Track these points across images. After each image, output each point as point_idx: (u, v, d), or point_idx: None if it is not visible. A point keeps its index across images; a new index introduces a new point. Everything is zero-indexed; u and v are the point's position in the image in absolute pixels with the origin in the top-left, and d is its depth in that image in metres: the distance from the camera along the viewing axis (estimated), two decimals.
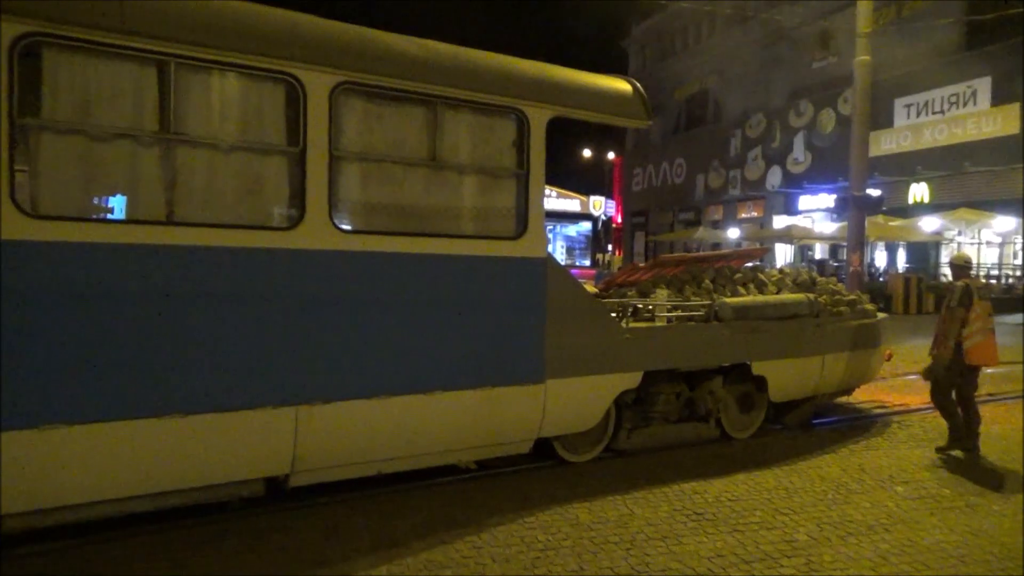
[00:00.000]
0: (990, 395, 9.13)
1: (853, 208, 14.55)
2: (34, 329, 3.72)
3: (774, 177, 33.11)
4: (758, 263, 9.12)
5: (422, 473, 5.36)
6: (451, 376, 5.04)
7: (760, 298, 7.07)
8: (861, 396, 9.02)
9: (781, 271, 8.43)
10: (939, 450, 6.67)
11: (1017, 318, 18.31)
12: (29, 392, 3.73)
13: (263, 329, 4.36)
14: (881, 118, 25.09)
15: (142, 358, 4.01)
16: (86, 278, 3.86)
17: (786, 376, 7.01)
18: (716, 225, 36.70)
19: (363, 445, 4.81)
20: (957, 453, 6.58)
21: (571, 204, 32.72)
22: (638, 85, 6.10)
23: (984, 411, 6.68)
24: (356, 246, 4.71)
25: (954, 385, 6.64)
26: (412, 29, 5.19)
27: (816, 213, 30.68)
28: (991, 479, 6.01)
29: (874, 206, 15.27)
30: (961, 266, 6.83)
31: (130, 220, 4.14)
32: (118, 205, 4.24)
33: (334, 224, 4.58)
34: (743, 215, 35.99)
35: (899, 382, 10.42)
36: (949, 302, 6.57)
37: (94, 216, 4.12)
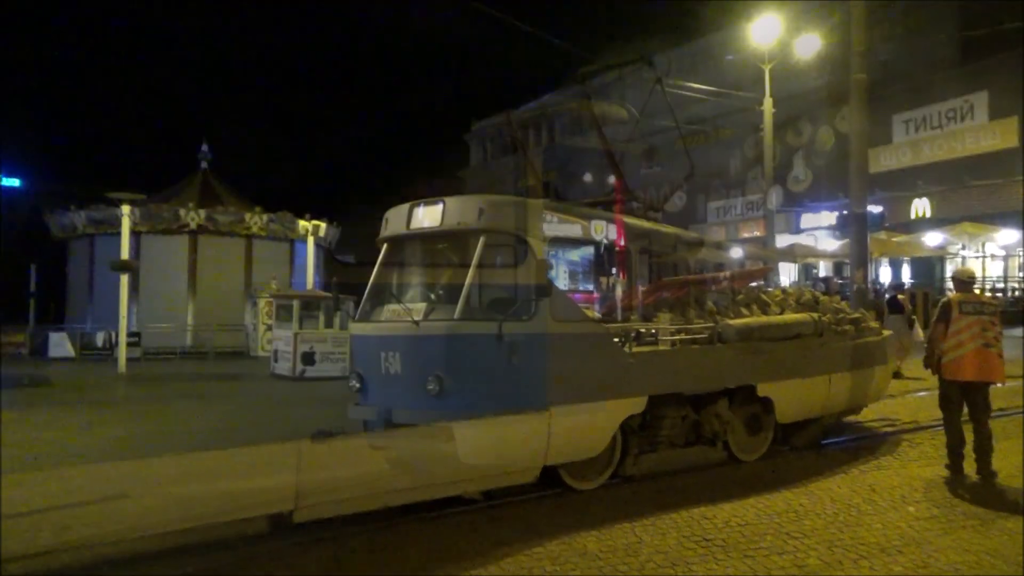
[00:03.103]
0: (1001, 410, 9.03)
1: (855, 225, 14.55)
2: None
3: (775, 196, 33.14)
4: (761, 283, 9.10)
5: (428, 505, 5.32)
6: (454, 406, 5.02)
7: (763, 319, 7.05)
8: (870, 414, 8.94)
9: (784, 291, 8.41)
10: (948, 468, 6.60)
11: (1018, 331, 18.12)
12: None
13: None
14: (880, 134, 25.18)
15: None
16: None
17: (792, 397, 6.96)
18: (719, 246, 36.68)
19: (368, 478, 4.77)
20: (969, 471, 6.49)
21: (572, 228, 32.74)
22: None
23: (995, 427, 6.58)
24: None
25: (962, 401, 6.57)
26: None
27: (819, 231, 30.66)
28: (1003, 497, 5.93)
29: (876, 223, 15.26)
30: (962, 281, 6.81)
31: None
32: None
33: None
34: (745, 235, 35.99)
35: (909, 399, 10.35)
36: (934, 318, 6.67)
37: None
